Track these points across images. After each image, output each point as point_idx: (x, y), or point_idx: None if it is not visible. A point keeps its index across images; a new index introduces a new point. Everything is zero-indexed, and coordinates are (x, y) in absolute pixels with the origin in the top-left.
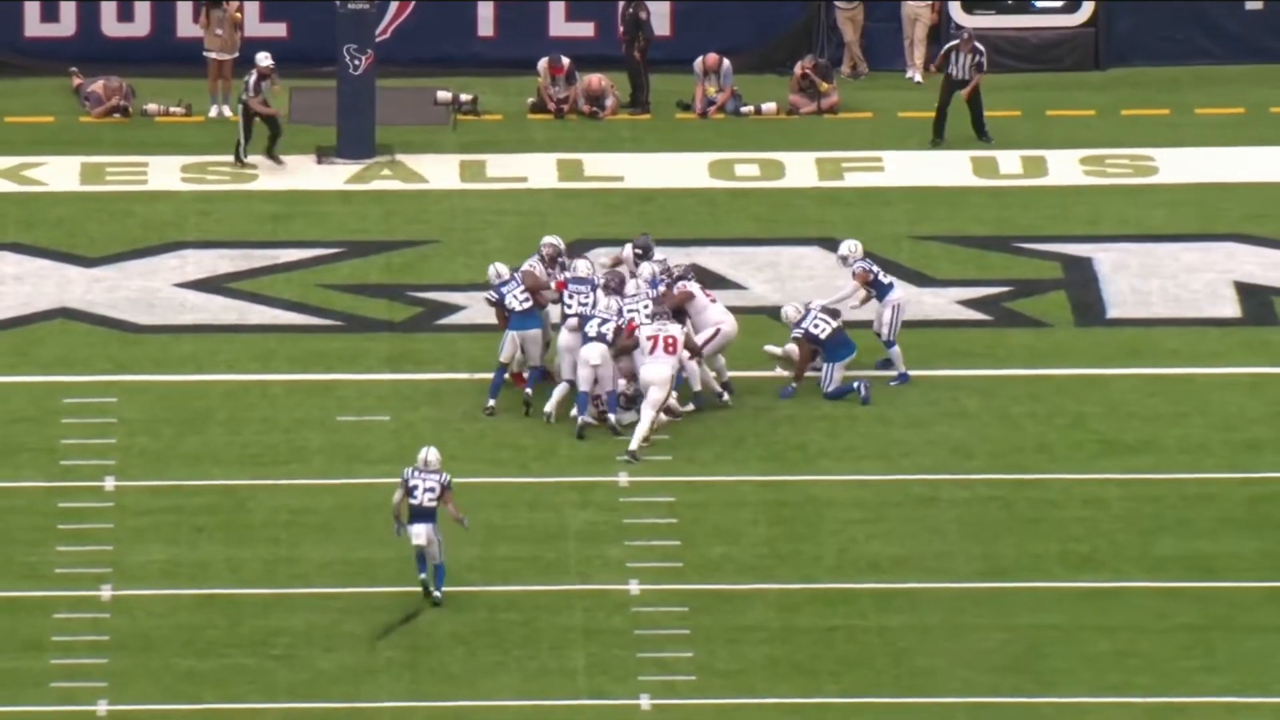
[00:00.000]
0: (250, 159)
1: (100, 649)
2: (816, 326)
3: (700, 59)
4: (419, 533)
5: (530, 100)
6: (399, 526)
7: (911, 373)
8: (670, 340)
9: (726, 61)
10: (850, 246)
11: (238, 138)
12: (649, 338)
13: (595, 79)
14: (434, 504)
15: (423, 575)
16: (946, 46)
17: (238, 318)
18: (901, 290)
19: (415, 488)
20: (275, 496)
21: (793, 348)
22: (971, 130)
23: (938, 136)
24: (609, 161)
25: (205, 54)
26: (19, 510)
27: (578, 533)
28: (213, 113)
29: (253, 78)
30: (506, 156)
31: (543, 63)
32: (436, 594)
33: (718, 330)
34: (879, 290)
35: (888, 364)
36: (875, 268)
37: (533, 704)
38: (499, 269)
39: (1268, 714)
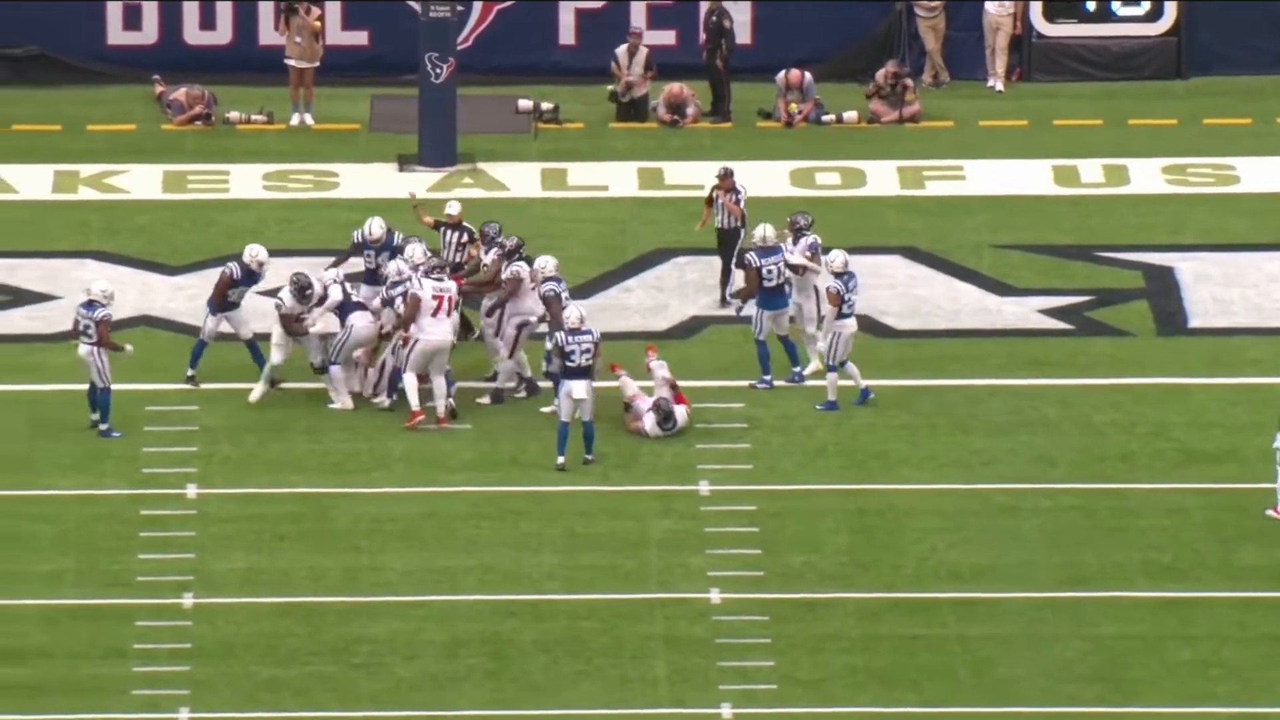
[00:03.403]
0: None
1: (182, 656)
2: (769, 273)
3: (783, 74)
4: (579, 388)
5: (610, 88)
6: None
7: (994, 382)
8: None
9: (808, 75)
10: (835, 256)
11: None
12: (434, 296)
13: (677, 87)
14: (590, 362)
15: (561, 459)
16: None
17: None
18: (853, 322)
19: (572, 351)
20: (357, 504)
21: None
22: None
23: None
24: (689, 170)
25: (285, 61)
26: (102, 518)
27: (659, 541)
28: (294, 120)
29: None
30: (587, 165)
31: (620, 49)
32: (587, 456)
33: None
34: (840, 314)
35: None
36: (847, 291)
37: (615, 713)
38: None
39: None
